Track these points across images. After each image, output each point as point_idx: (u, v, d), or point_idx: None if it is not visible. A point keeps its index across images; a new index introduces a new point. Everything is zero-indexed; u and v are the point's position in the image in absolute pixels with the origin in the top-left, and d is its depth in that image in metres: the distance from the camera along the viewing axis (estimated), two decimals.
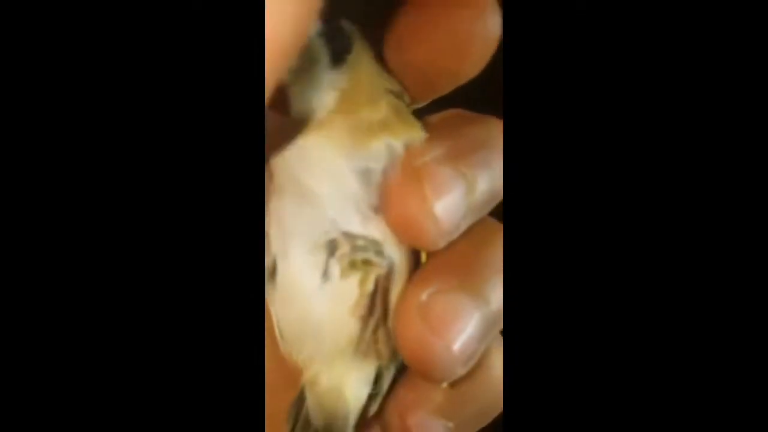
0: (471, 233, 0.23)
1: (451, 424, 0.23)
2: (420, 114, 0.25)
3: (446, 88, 0.25)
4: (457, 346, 0.22)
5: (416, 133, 0.24)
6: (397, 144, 0.24)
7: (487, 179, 0.23)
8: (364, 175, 0.23)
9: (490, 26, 0.23)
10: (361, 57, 0.25)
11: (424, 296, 0.22)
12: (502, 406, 0.24)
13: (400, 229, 0.23)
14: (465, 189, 0.22)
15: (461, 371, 0.23)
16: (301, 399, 0.25)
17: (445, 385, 0.23)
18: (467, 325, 0.22)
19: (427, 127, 0.24)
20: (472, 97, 0.25)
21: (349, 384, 0.24)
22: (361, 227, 0.23)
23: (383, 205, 0.23)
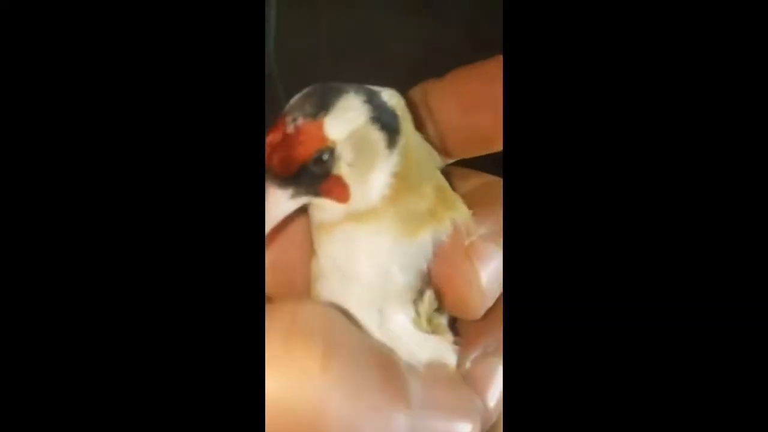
0: (497, 307, 0.25)
1: None
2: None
3: (490, 150, 0.27)
4: (493, 401, 0.25)
5: (459, 214, 0.25)
6: (443, 232, 0.25)
7: None
8: (407, 268, 0.24)
9: None
10: (407, 132, 0.25)
11: (468, 364, 0.25)
12: None
13: (451, 303, 0.25)
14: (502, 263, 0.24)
15: (493, 420, 0.25)
16: None
17: None
18: (498, 382, 0.25)
19: (464, 199, 0.26)
20: None
21: None
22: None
23: (434, 280, 0.25)
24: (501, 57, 0.24)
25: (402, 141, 0.25)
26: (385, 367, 0.23)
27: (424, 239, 0.25)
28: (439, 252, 0.25)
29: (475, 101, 0.26)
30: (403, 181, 0.25)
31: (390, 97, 0.25)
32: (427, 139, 0.26)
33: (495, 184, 0.27)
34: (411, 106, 0.26)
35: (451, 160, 0.28)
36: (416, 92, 0.27)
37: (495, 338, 0.25)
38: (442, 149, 0.27)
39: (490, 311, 0.25)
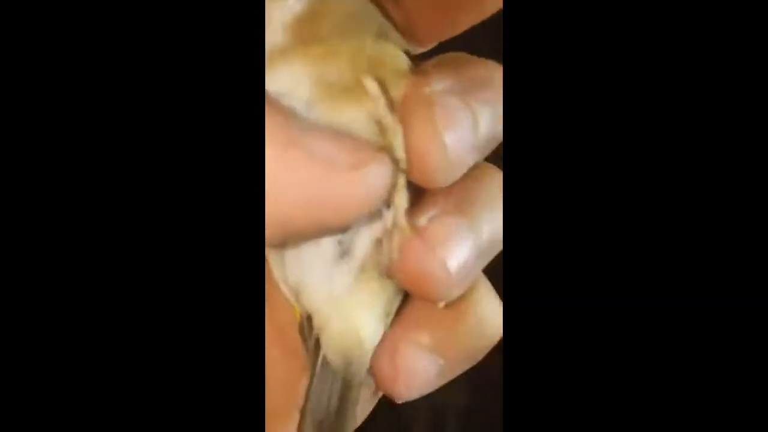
0: (469, 174, 0.23)
1: (441, 361, 0.24)
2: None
3: (464, 25, 0.24)
4: (453, 262, 0.22)
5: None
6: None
7: (489, 118, 0.22)
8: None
9: None
10: None
11: (423, 220, 0.23)
12: (487, 344, 0.24)
13: (409, 162, 0.22)
14: (472, 123, 0.22)
15: (456, 291, 0.23)
16: (317, 346, 0.25)
17: (442, 304, 0.23)
18: (462, 245, 0.22)
19: (427, 68, 0.23)
20: None
21: (362, 323, 0.24)
22: None
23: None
24: None
25: None
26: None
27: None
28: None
29: None
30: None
31: None
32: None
33: (455, 55, 0.24)
34: None
35: (423, 49, 0.25)
36: None
37: (456, 200, 0.23)
38: (411, 36, 0.25)
39: (453, 184, 0.23)
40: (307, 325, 0.25)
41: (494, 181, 0.23)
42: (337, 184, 0.20)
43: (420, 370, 0.23)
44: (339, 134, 0.21)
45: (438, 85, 0.22)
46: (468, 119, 0.22)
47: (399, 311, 0.24)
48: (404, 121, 0.22)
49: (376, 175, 0.21)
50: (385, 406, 0.26)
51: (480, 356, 0.24)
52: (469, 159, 0.22)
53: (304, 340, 0.25)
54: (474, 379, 0.27)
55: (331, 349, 0.24)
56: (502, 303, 0.24)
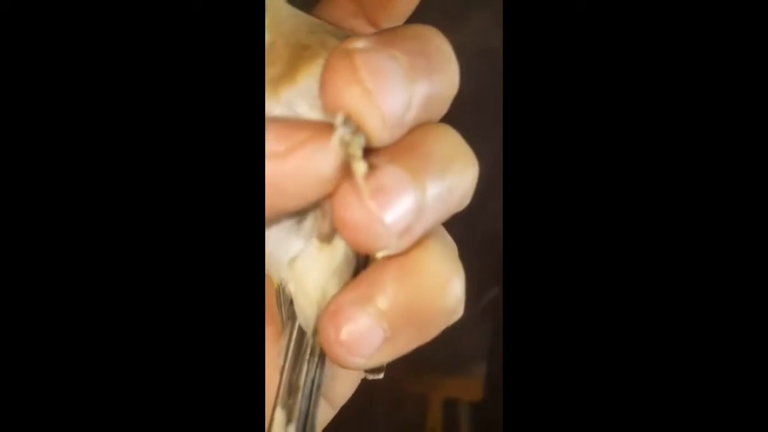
0: (414, 131, 0.22)
1: (386, 325, 0.22)
2: None
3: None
4: (385, 209, 0.21)
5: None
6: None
7: (422, 70, 0.22)
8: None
9: None
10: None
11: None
12: (440, 315, 0.23)
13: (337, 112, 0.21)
14: (400, 72, 0.21)
15: (395, 243, 0.22)
16: (292, 311, 0.25)
17: (380, 255, 0.22)
18: (398, 194, 0.21)
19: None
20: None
21: (312, 286, 0.24)
22: None
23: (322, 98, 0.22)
24: None
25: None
26: None
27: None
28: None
29: None
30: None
31: None
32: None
33: (397, 26, 0.24)
34: None
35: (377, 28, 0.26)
36: None
37: (394, 152, 0.22)
38: (369, 19, 0.25)
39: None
40: (282, 293, 0.25)
41: (443, 138, 0.23)
42: (275, 172, 0.21)
43: (362, 333, 0.22)
44: (276, 120, 0.21)
45: (358, 43, 0.21)
46: (395, 68, 0.21)
47: (355, 276, 0.24)
48: (331, 80, 0.21)
49: (315, 157, 0.21)
50: (399, 402, 0.26)
51: (433, 330, 0.23)
52: (408, 115, 0.21)
53: (279, 306, 0.26)
54: (486, 375, 0.26)
55: (299, 313, 0.25)
56: (462, 270, 0.23)
